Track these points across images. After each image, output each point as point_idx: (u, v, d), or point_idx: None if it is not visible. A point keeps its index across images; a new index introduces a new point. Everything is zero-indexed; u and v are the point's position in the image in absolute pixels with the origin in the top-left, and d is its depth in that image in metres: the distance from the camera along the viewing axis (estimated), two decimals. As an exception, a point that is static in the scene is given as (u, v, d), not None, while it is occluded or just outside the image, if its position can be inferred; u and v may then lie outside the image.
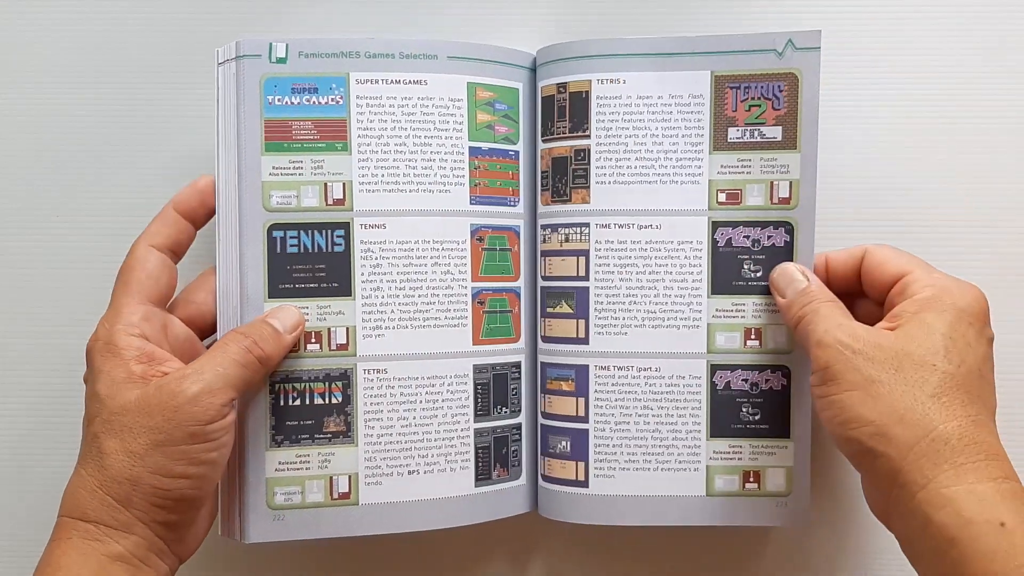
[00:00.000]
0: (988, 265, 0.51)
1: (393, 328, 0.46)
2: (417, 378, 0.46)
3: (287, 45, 0.45)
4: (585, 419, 0.47)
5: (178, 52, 0.51)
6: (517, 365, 0.48)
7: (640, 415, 0.47)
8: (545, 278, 0.48)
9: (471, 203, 0.47)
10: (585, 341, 0.47)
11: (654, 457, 0.47)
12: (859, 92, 0.51)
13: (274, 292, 0.45)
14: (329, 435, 0.45)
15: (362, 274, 0.46)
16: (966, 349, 0.40)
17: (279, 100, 0.45)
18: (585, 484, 0.47)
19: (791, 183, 0.46)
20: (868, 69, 0.51)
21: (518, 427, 0.49)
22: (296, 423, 0.45)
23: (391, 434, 0.46)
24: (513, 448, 0.48)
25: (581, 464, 0.47)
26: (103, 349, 0.42)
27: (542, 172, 0.48)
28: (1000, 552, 0.35)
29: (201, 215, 0.46)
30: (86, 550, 0.39)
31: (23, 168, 0.52)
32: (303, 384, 0.45)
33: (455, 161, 0.46)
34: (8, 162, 0.52)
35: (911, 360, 0.39)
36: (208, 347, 0.47)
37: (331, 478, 0.45)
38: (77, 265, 0.52)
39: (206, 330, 0.47)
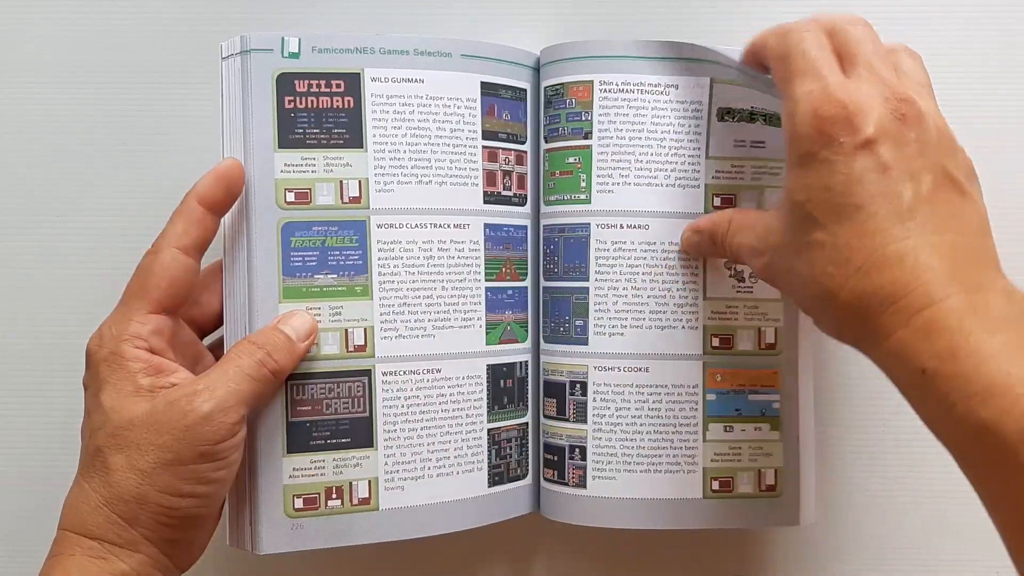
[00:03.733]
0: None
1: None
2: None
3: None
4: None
5: (179, 52, 0.51)
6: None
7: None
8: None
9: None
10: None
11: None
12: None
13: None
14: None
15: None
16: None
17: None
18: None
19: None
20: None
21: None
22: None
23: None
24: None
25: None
26: (109, 359, 0.40)
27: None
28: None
29: (227, 205, 0.43)
30: (90, 569, 0.38)
31: (23, 168, 0.52)
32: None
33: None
34: (8, 162, 0.52)
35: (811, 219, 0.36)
36: (209, 346, 0.47)
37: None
38: (77, 265, 0.52)
39: (207, 329, 0.46)
